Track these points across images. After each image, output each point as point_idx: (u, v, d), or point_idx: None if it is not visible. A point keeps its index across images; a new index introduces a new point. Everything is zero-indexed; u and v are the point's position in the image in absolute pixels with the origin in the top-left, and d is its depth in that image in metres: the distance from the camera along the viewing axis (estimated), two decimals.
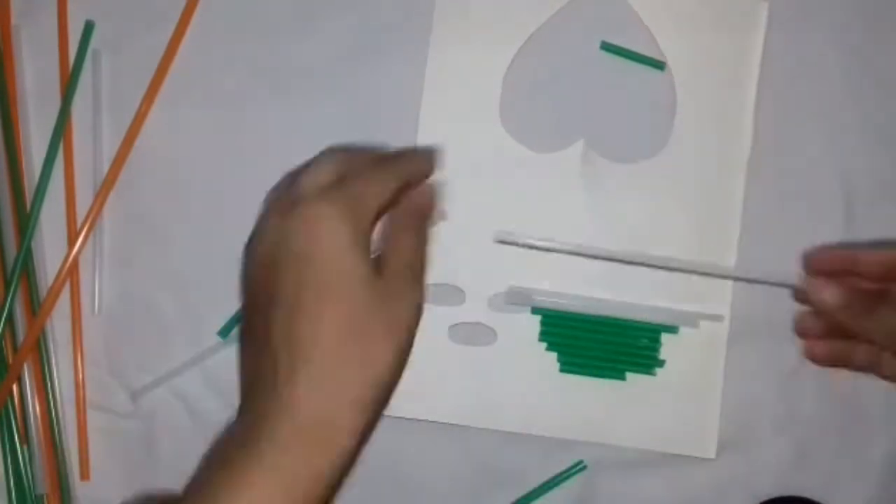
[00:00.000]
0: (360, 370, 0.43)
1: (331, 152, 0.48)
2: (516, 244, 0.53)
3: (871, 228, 0.54)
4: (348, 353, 0.42)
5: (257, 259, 0.46)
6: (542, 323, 0.53)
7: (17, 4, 0.56)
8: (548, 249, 0.53)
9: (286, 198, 0.46)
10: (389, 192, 0.46)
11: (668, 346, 0.53)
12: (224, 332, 0.54)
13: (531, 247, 0.52)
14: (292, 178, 0.47)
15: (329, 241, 0.43)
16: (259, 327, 0.44)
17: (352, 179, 0.45)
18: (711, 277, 0.53)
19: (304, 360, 0.42)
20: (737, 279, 0.53)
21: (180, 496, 0.43)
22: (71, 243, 0.55)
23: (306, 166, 0.47)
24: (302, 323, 0.43)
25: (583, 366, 0.53)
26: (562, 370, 0.53)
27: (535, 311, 0.53)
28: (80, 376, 0.54)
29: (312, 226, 0.43)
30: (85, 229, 0.55)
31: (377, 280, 0.44)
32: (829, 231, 0.54)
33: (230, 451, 0.42)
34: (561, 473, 0.53)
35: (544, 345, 0.53)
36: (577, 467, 0.53)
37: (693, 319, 0.53)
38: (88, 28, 0.55)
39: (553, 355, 0.53)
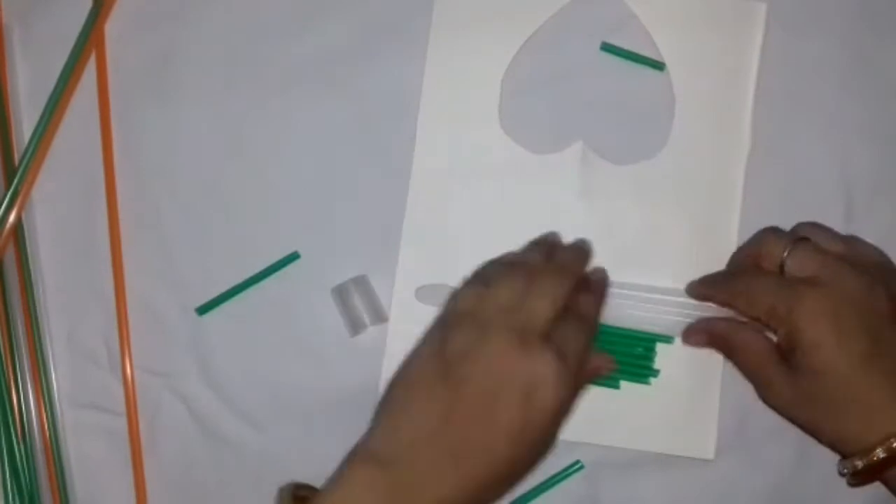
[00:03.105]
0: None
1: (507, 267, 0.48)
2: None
3: (872, 228, 0.54)
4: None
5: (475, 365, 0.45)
6: None
7: (10, 4, 0.56)
8: None
9: (510, 322, 0.45)
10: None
11: (665, 355, 0.53)
12: (202, 310, 0.54)
13: None
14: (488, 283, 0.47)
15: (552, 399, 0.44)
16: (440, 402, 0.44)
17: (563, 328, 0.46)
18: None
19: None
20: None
21: None
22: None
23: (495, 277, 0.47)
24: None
25: None
26: None
27: None
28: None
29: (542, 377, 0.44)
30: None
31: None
32: None
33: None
34: (558, 473, 0.53)
35: None
36: (575, 467, 0.53)
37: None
38: (87, 27, 0.55)
39: None
